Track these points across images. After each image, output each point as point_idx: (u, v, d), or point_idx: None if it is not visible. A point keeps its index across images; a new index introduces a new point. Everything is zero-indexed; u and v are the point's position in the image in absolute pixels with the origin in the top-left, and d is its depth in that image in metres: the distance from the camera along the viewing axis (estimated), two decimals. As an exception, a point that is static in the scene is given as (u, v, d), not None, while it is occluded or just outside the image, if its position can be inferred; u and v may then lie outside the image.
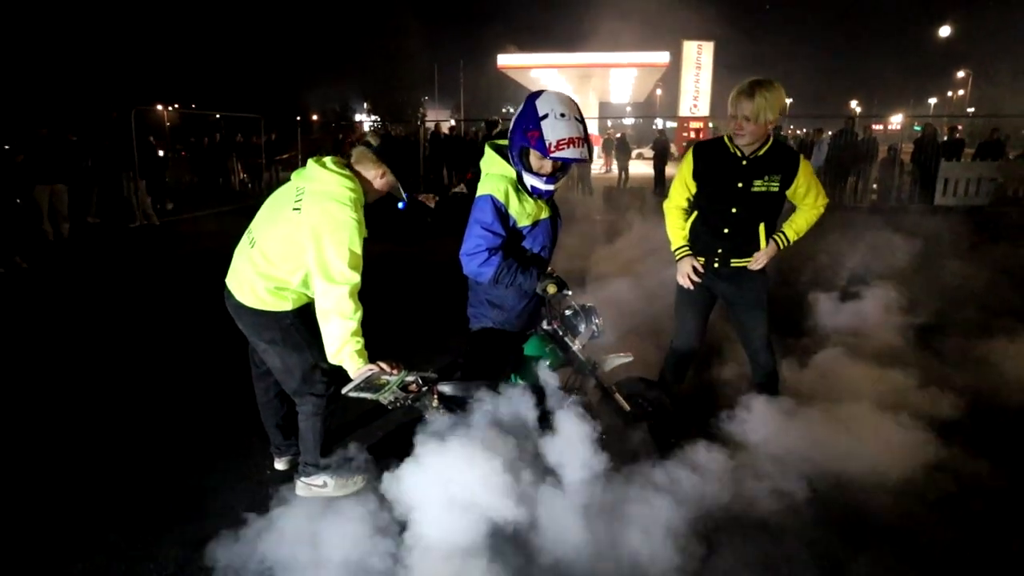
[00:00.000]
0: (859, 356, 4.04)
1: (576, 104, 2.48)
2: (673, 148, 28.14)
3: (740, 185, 2.96)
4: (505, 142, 2.64)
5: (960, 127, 16.04)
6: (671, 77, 32.95)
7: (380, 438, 3.43)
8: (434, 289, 6.50)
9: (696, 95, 33.29)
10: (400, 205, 2.68)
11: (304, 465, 2.83)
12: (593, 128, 26.72)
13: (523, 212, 2.52)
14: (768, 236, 3.04)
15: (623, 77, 28.58)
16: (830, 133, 15.07)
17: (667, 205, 3.23)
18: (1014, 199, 13.62)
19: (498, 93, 55.27)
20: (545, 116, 2.38)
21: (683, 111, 32.75)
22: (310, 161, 2.57)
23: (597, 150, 23.25)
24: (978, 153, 14.35)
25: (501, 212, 2.46)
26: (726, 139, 2.99)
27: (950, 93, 54.67)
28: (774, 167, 2.94)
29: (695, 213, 3.16)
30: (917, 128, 20.42)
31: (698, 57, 32.75)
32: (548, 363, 2.81)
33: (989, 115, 23.13)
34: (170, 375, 4.35)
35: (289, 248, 2.47)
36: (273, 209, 2.60)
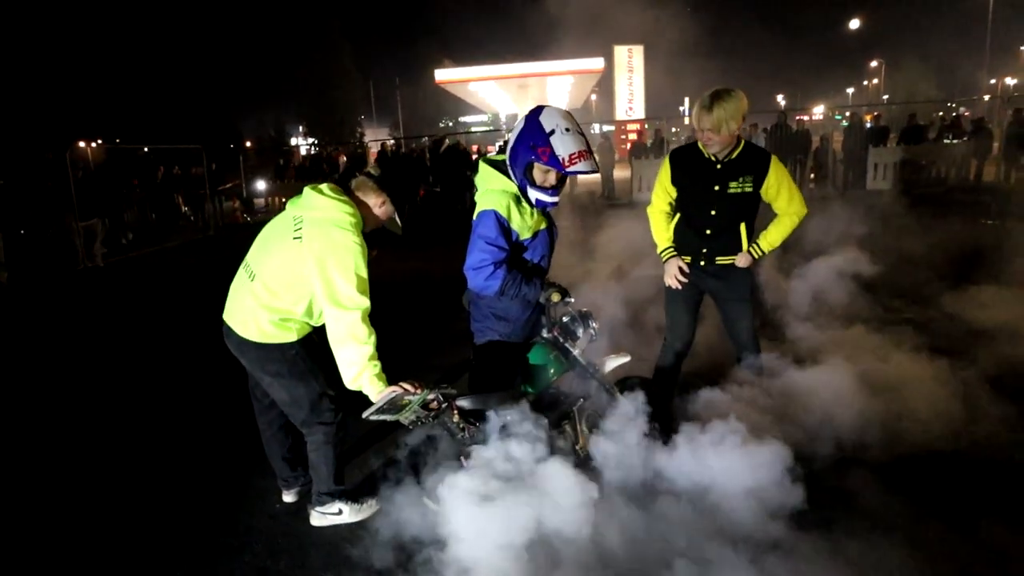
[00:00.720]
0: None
1: (574, 117, 2.58)
2: (615, 151, 28.80)
3: (716, 188, 3.12)
4: (499, 158, 2.71)
5: (880, 114, 17.08)
6: (606, 82, 33.70)
7: (389, 459, 3.42)
8: (407, 307, 6.50)
9: (631, 98, 34.13)
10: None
11: (318, 495, 2.81)
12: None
13: (524, 225, 2.60)
14: (748, 235, 3.21)
15: (560, 85, 29.12)
16: (764, 128, 15.76)
17: (650, 210, 3.37)
18: (937, 178, 14.54)
19: (436, 108, 55.37)
20: (552, 132, 2.46)
21: (619, 115, 33.54)
22: (306, 189, 2.57)
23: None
24: (901, 138, 15.38)
25: (504, 226, 2.53)
26: (699, 145, 3.14)
27: (865, 82, 57.75)
28: (746, 168, 3.10)
29: (678, 216, 3.30)
30: (838, 117, 21.50)
31: (629, 61, 33.61)
32: (553, 370, 2.89)
33: (905, 102, 24.56)
34: (149, 420, 4.21)
35: (292, 278, 2.47)
36: (270, 240, 2.59)
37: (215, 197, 16.91)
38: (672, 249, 3.28)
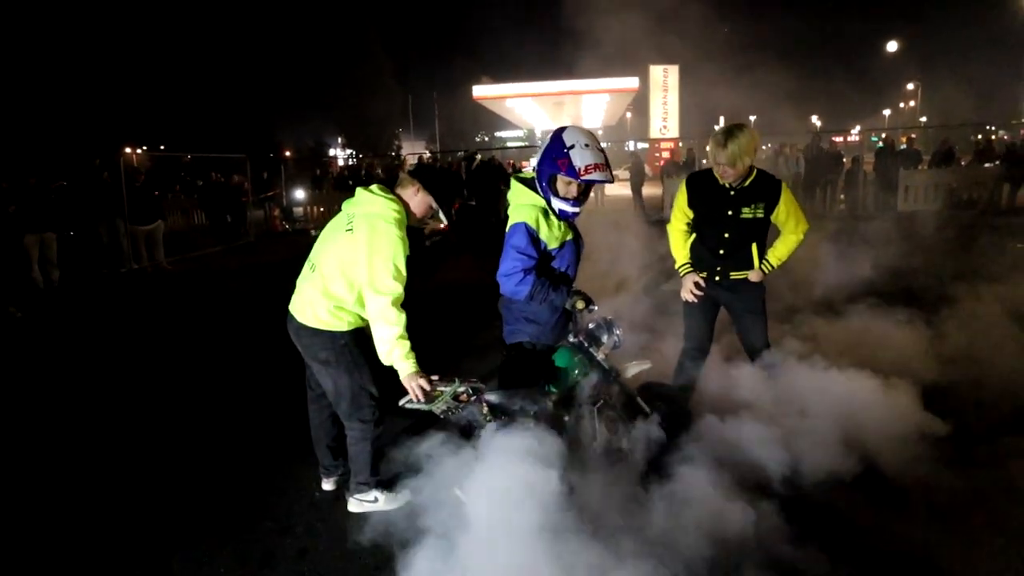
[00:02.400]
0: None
1: (595, 136, 2.81)
2: (647, 169, 28.87)
3: (730, 213, 3.35)
4: (528, 175, 2.94)
5: (915, 135, 16.94)
6: (640, 101, 33.83)
7: (421, 451, 3.62)
8: (442, 315, 6.73)
9: (665, 116, 34.17)
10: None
11: (356, 484, 3.03)
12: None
13: (552, 236, 2.81)
14: (760, 254, 3.41)
15: (595, 103, 29.38)
16: (800, 149, 15.76)
17: (670, 228, 3.61)
18: (968, 202, 14.40)
19: (472, 122, 56.08)
20: (572, 147, 2.71)
21: (654, 133, 33.59)
22: (359, 189, 2.86)
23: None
24: (933, 161, 15.29)
25: (533, 237, 2.75)
26: (714, 171, 3.34)
27: (902, 104, 56.79)
28: (759, 196, 3.32)
29: (694, 235, 3.53)
30: (874, 139, 21.36)
31: (665, 80, 33.70)
32: (577, 372, 3.07)
33: (940, 126, 24.20)
34: (201, 410, 4.50)
35: (346, 266, 2.74)
36: (329, 236, 2.88)
37: (263, 204, 17.43)
38: (689, 265, 3.50)
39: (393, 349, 2.60)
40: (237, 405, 4.55)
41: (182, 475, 3.53)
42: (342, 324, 2.80)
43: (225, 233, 15.88)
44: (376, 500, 3.04)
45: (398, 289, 2.64)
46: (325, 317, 2.78)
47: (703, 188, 3.41)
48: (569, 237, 2.93)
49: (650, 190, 19.27)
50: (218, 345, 6.21)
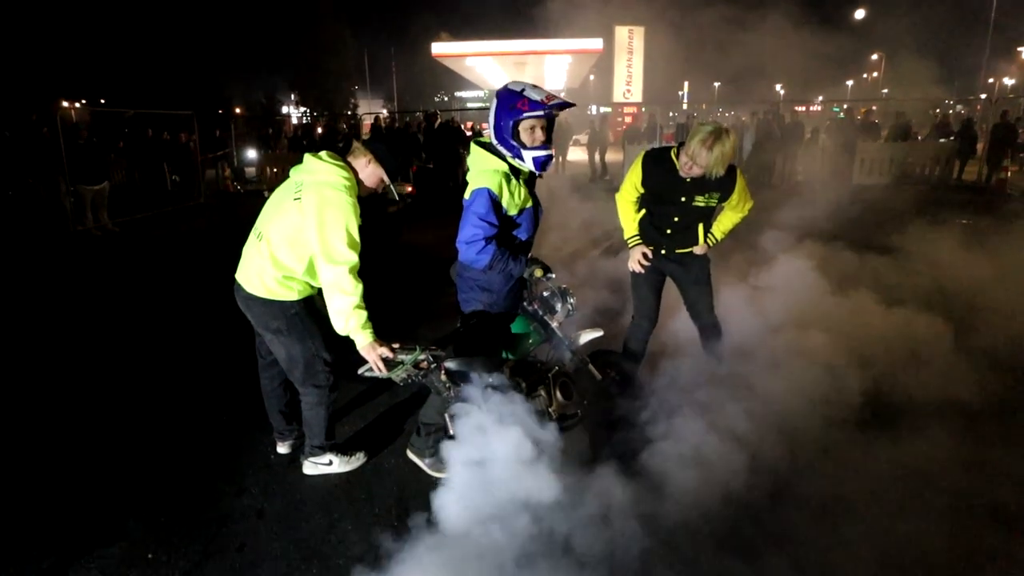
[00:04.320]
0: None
1: None
2: (609, 134, 28.86)
3: (683, 199, 3.37)
4: (488, 139, 2.90)
5: (875, 107, 17.34)
6: (604, 63, 33.50)
7: (375, 416, 3.67)
8: (398, 280, 6.71)
9: (629, 80, 33.93)
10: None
11: (311, 447, 3.06)
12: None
13: (513, 202, 2.81)
14: (705, 230, 3.49)
15: (557, 64, 28.93)
16: (755, 114, 15.96)
17: (619, 198, 3.60)
18: (921, 176, 14.89)
19: (431, 82, 54.84)
20: (523, 89, 2.71)
21: (617, 96, 33.41)
22: (307, 156, 2.77)
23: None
24: (890, 135, 15.67)
25: (496, 203, 2.73)
26: (673, 154, 3.33)
27: (865, 75, 57.66)
28: (715, 186, 3.31)
29: (643, 211, 3.55)
30: (836, 109, 21.83)
31: (630, 42, 33.30)
32: (532, 339, 3.14)
33: (900, 99, 24.73)
34: (154, 377, 4.43)
35: (293, 237, 2.68)
36: (276, 203, 2.80)
37: (213, 164, 16.80)
38: (637, 237, 3.54)
39: (350, 319, 2.57)
40: (189, 370, 4.49)
41: (135, 441, 3.49)
42: (292, 294, 2.77)
43: (174, 194, 15.34)
44: (331, 463, 3.08)
45: (353, 258, 2.60)
46: (274, 287, 2.74)
47: (659, 170, 3.39)
48: (529, 204, 2.92)
49: (612, 156, 19.33)
50: (169, 310, 6.07)
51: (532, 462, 2.44)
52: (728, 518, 2.64)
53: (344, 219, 2.59)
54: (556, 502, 2.45)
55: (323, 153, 2.75)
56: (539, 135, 2.73)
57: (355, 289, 2.58)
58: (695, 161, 3.13)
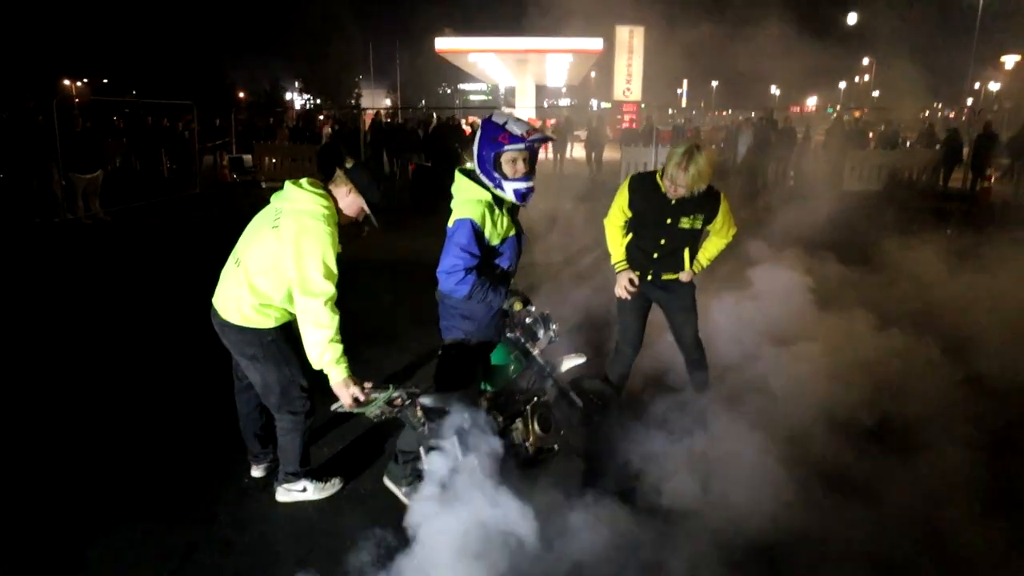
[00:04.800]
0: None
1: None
2: (608, 131, 28.75)
3: (669, 221, 3.38)
4: (471, 166, 2.86)
5: (867, 110, 17.48)
6: (605, 61, 33.38)
7: (352, 440, 3.62)
8: (390, 283, 6.66)
9: (629, 78, 33.82)
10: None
11: (285, 474, 3.01)
12: (531, 112, 26.98)
13: (495, 232, 2.77)
14: (691, 257, 3.49)
15: (559, 62, 28.84)
16: (749, 120, 16.04)
17: (607, 222, 3.60)
18: (908, 182, 15.13)
19: (435, 73, 54.58)
20: (505, 122, 2.71)
21: (617, 95, 33.31)
22: (287, 183, 2.72)
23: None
24: (879, 142, 15.88)
25: (478, 233, 2.70)
26: (658, 177, 3.36)
27: (857, 78, 57.52)
28: (699, 207, 3.36)
29: (631, 235, 3.54)
30: (829, 110, 21.87)
31: (630, 42, 33.18)
32: (513, 368, 3.10)
33: (886, 107, 24.80)
34: (127, 380, 4.36)
35: (271, 265, 2.63)
36: (255, 230, 2.75)
37: (213, 153, 16.65)
38: (625, 262, 3.52)
39: (324, 353, 2.52)
40: (167, 382, 4.41)
41: (101, 452, 3.43)
42: (269, 321, 2.72)
43: (170, 182, 15.23)
44: (305, 490, 3.03)
45: (330, 289, 2.55)
46: (250, 314, 2.69)
47: (645, 192, 3.42)
48: (512, 233, 2.89)
49: (610, 153, 19.32)
50: (150, 307, 5.98)
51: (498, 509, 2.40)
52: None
53: (322, 250, 2.54)
54: (527, 543, 2.42)
55: (304, 181, 2.70)
56: (520, 167, 2.73)
57: (331, 322, 2.53)
58: (675, 183, 3.22)
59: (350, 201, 2.73)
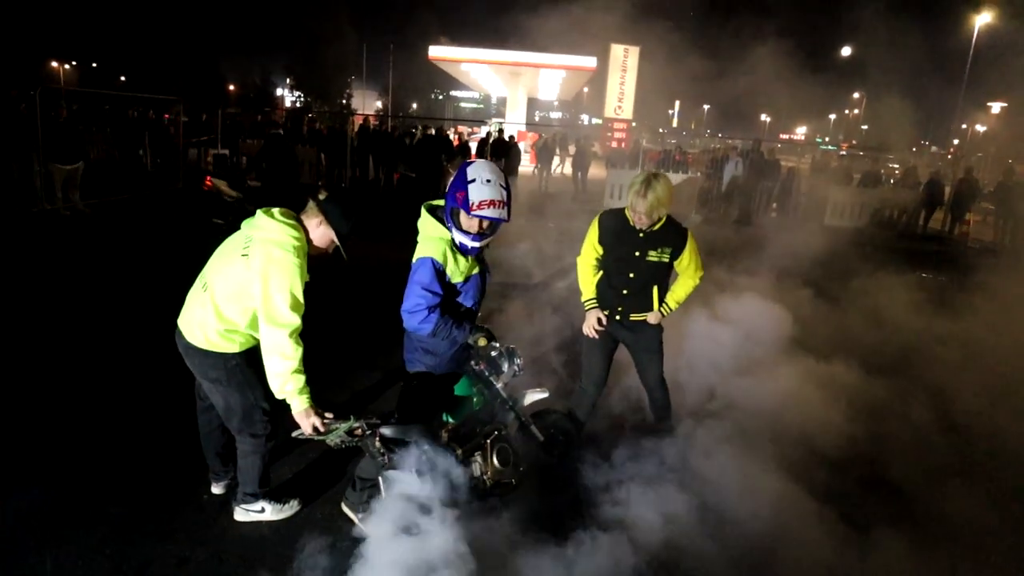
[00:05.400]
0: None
1: (500, 172, 2.82)
2: (597, 148, 29.07)
3: (637, 254, 3.48)
4: (441, 202, 2.93)
5: (854, 143, 17.90)
6: (598, 77, 33.74)
7: (312, 461, 3.65)
8: (368, 295, 6.68)
9: (621, 96, 34.22)
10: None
11: (243, 495, 3.04)
12: (522, 124, 27.13)
13: (457, 270, 2.84)
14: (660, 298, 3.57)
15: (552, 76, 29.14)
16: (738, 152, 16.30)
17: (580, 261, 3.70)
18: (889, 221, 15.50)
19: (427, 78, 54.58)
20: (473, 180, 2.71)
21: (608, 112, 33.67)
22: (259, 211, 2.75)
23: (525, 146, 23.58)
24: (862, 181, 16.29)
25: (439, 272, 2.76)
26: (627, 211, 3.46)
27: (847, 111, 58.75)
28: (666, 241, 3.47)
29: (601, 273, 3.63)
30: (818, 140, 22.39)
31: (624, 60, 33.59)
32: (475, 400, 3.17)
33: (875, 148, 25.40)
34: (99, 390, 4.33)
35: (239, 291, 2.66)
36: (224, 256, 2.77)
37: (198, 148, 16.53)
38: (594, 301, 3.61)
39: (287, 383, 2.56)
40: (132, 387, 4.38)
41: (62, 464, 3.42)
42: (233, 346, 2.75)
43: (153, 175, 15.10)
44: (263, 511, 3.06)
45: (296, 321, 2.59)
46: (215, 339, 2.72)
47: (614, 227, 3.53)
48: (475, 271, 2.95)
49: (596, 171, 19.51)
50: (119, 305, 5.94)
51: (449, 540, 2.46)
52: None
53: (289, 281, 2.58)
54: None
55: (276, 210, 2.73)
56: (474, 226, 2.76)
57: (295, 353, 2.57)
58: (635, 210, 3.34)
59: (321, 232, 2.77)
